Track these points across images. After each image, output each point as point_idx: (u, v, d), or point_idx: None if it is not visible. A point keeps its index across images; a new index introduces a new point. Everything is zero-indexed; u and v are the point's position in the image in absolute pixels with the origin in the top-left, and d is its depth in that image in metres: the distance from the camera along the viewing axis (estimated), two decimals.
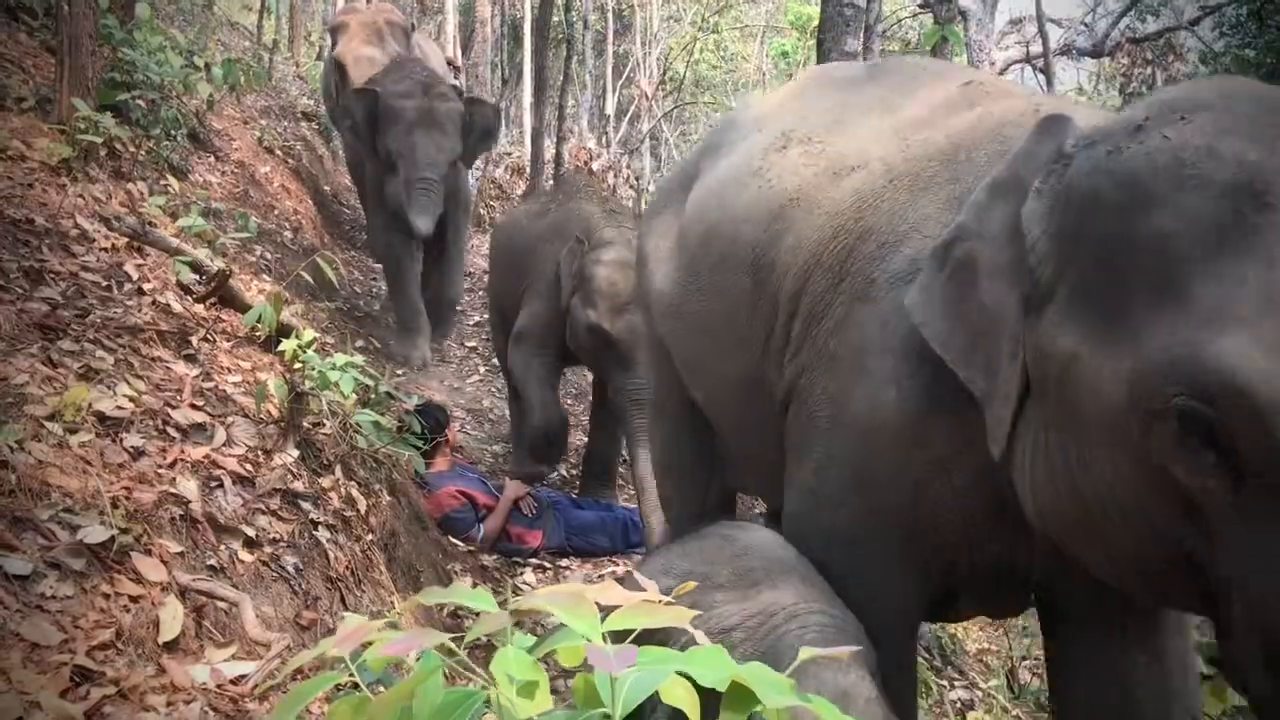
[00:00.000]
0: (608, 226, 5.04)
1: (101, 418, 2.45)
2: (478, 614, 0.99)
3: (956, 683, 3.95)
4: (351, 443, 3.27)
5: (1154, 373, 1.47)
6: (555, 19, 10.09)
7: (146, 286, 3.25)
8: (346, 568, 2.73)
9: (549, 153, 9.44)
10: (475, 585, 1.18)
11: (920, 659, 3.65)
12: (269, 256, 5.68)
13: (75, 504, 2.10)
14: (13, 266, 2.89)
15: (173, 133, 4.84)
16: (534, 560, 4.75)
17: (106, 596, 1.97)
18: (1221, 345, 1.41)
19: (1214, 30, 10.14)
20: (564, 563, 4.77)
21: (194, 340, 3.10)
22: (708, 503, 3.08)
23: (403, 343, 6.67)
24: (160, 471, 2.40)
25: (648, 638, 0.93)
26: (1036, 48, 8.88)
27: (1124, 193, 1.57)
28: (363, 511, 3.03)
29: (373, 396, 3.50)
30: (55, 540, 1.99)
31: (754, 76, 16.25)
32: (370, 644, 0.97)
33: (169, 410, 2.65)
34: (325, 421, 3.14)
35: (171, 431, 2.59)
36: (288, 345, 2.97)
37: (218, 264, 3.53)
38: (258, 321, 3.23)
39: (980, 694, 3.93)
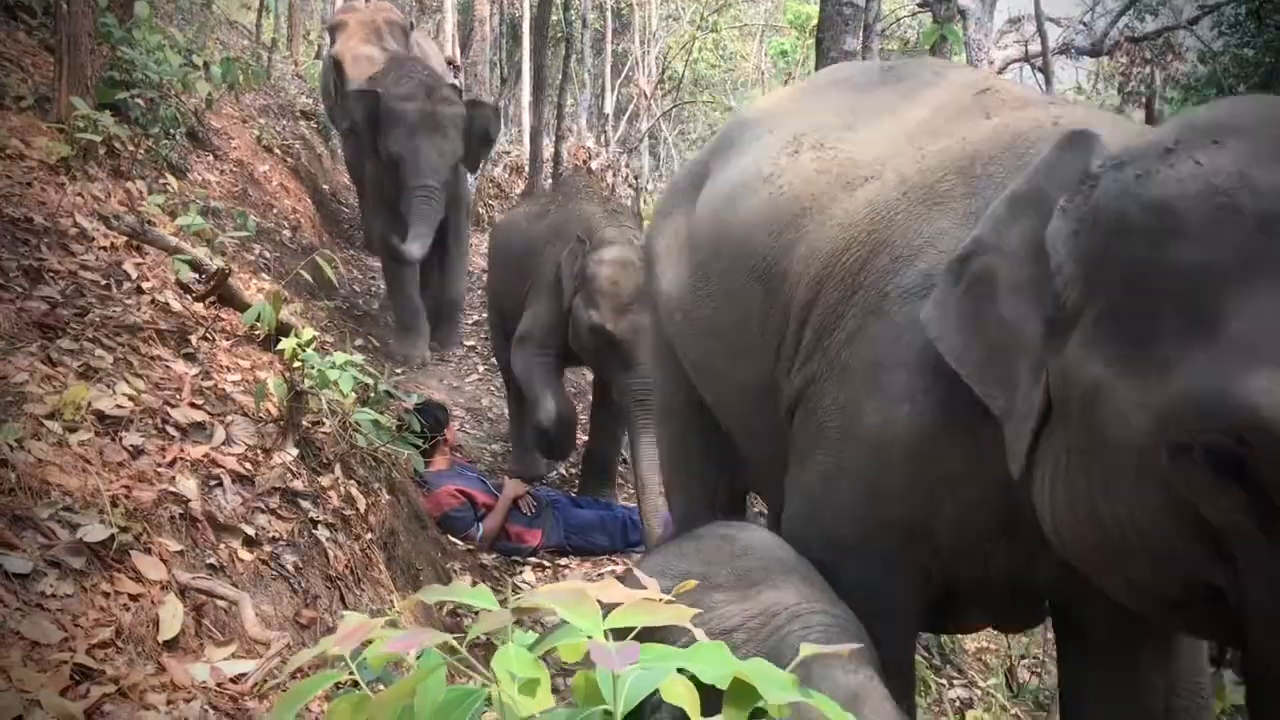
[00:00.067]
0: (609, 226, 5.00)
1: (101, 416, 2.45)
2: (477, 613, 0.99)
3: (955, 681, 3.95)
4: (351, 441, 3.26)
5: (1182, 406, 1.45)
6: (554, 17, 10.08)
7: (145, 285, 3.25)
8: (346, 566, 2.73)
9: (548, 151, 9.44)
10: (475, 584, 1.18)
11: (919, 657, 3.66)
12: (268, 255, 5.68)
13: (75, 503, 2.10)
14: (12, 265, 2.89)
15: (171, 131, 4.84)
16: (533, 559, 4.75)
17: (106, 595, 1.97)
18: (1253, 382, 1.38)
19: (1213, 29, 10.14)
20: (563, 562, 4.77)
21: (193, 339, 3.10)
22: (716, 502, 3.06)
23: (402, 342, 6.66)
24: (160, 470, 2.40)
25: (647, 638, 0.94)
26: (1035, 47, 8.88)
27: (1153, 219, 1.53)
28: (362, 510, 3.03)
29: (372, 395, 3.50)
30: (55, 539, 1.99)
31: (752, 75, 16.26)
32: (370, 642, 0.97)
33: (168, 409, 2.65)
34: (324, 420, 3.14)
35: (171, 430, 2.59)
36: (287, 344, 2.96)
37: (217, 263, 3.53)
38: (257, 320, 3.23)
39: (979, 692, 3.93)
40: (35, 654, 1.76)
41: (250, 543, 2.45)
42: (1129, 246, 1.57)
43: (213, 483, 2.52)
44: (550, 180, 9.02)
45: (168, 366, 2.87)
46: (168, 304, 3.21)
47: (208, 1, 10.27)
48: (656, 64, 14.79)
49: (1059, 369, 1.68)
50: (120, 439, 2.42)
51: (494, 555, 4.66)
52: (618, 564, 4.73)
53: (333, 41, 8.08)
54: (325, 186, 9.36)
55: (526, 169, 9.84)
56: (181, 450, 2.52)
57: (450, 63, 9.76)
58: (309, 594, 2.51)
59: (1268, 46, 8.91)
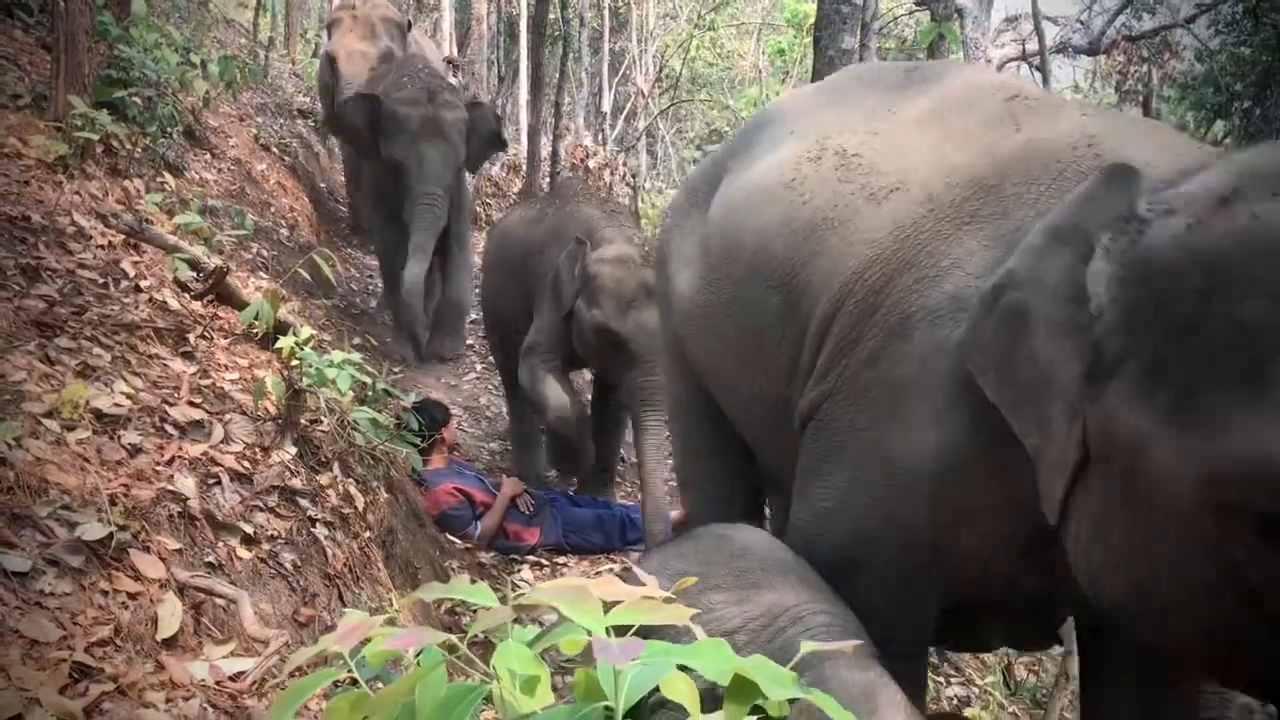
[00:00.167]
0: (608, 226, 4.96)
1: (99, 415, 2.44)
2: (475, 611, 0.99)
3: (953, 679, 3.96)
4: (349, 440, 3.26)
5: (1232, 470, 1.41)
6: (551, 16, 10.08)
7: (143, 284, 3.24)
8: (344, 565, 2.73)
9: (545, 150, 9.44)
10: (473, 582, 1.18)
11: None
12: (265, 254, 5.67)
13: (73, 501, 2.10)
14: (9, 264, 2.88)
15: (169, 130, 4.84)
16: (531, 558, 4.75)
17: (105, 593, 1.97)
18: None
19: (1209, 28, 10.15)
20: (561, 560, 4.78)
21: (191, 337, 3.10)
22: (730, 498, 3.00)
23: (400, 340, 6.66)
24: (158, 469, 2.40)
25: (645, 637, 0.94)
26: (1033, 45, 8.89)
27: (1208, 274, 1.48)
28: (360, 509, 3.03)
29: (370, 394, 3.50)
30: (54, 537, 1.99)
31: (750, 74, 16.24)
32: (369, 640, 0.97)
33: (166, 407, 2.65)
34: (323, 419, 3.14)
35: (169, 429, 2.59)
36: (285, 342, 2.96)
37: (214, 261, 3.52)
38: (255, 319, 3.23)
39: (977, 690, 3.94)
40: (34, 652, 1.76)
41: (249, 541, 2.45)
42: (1179, 299, 1.51)
43: (211, 481, 2.52)
44: (548, 179, 9.02)
45: (166, 365, 2.87)
46: (165, 302, 3.21)
47: (204, 0, 10.26)
48: (654, 62, 14.79)
49: (1098, 418, 1.63)
50: (118, 437, 2.42)
51: (492, 554, 4.66)
52: (616, 563, 4.73)
53: (329, 39, 8.08)
54: (323, 185, 9.36)
55: (524, 168, 9.83)
56: (180, 449, 2.52)
57: (450, 62, 9.75)
58: (307, 592, 2.51)
59: (1264, 45, 8.91)
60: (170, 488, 2.34)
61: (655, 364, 4.37)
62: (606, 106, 13.40)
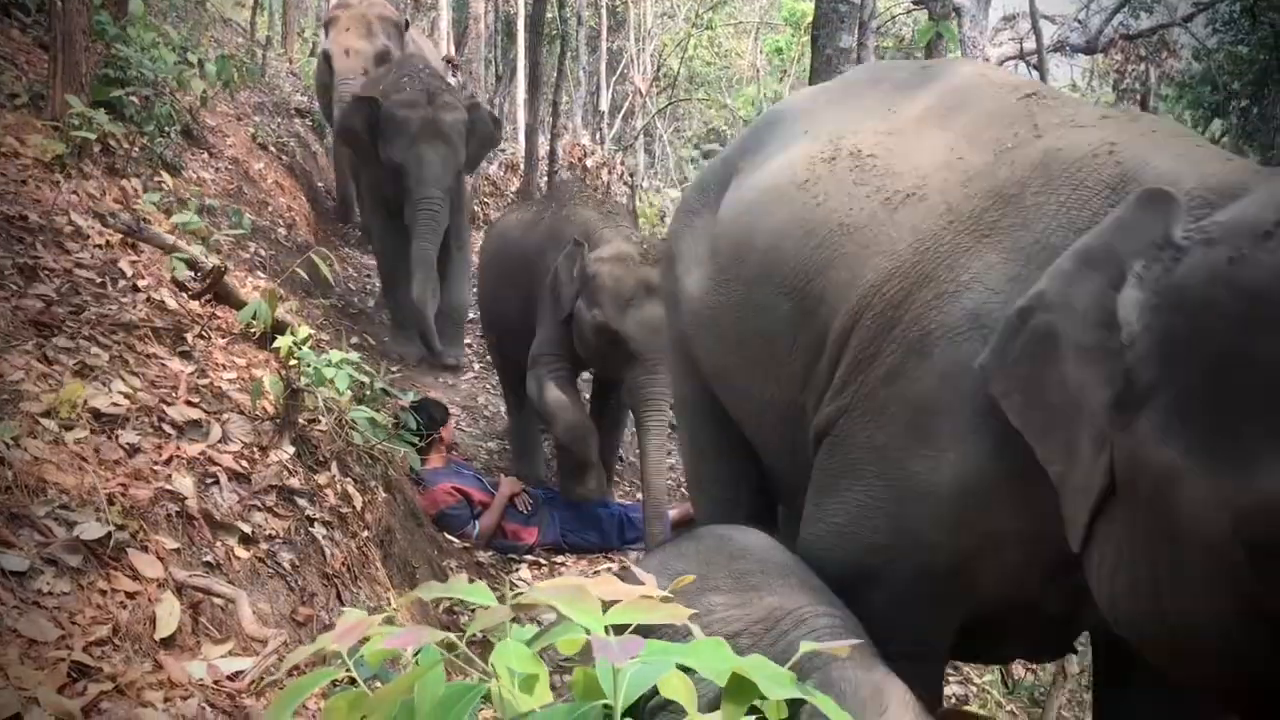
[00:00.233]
0: (605, 227, 4.91)
1: (97, 414, 2.44)
2: (473, 610, 0.99)
3: (951, 678, 3.96)
4: (347, 439, 3.26)
5: (1265, 507, 1.39)
6: (549, 15, 10.08)
7: (141, 283, 3.24)
8: (342, 564, 2.73)
9: (543, 149, 9.44)
10: (472, 581, 1.18)
11: None
12: (263, 253, 5.67)
13: (71, 501, 2.10)
14: (7, 263, 2.88)
15: (166, 129, 4.83)
16: (529, 557, 4.76)
17: (103, 593, 1.97)
18: None
19: (1207, 26, 10.15)
20: (559, 559, 4.78)
21: (189, 337, 3.10)
22: (738, 500, 2.94)
23: (398, 340, 6.66)
24: (156, 468, 2.40)
25: (645, 636, 0.94)
26: (1030, 44, 8.90)
27: (1247, 309, 1.45)
28: (358, 508, 3.03)
29: (368, 393, 3.50)
30: (52, 537, 1.99)
31: (748, 73, 16.24)
32: (367, 639, 0.97)
33: (164, 407, 2.65)
34: (321, 418, 3.14)
35: (167, 428, 2.59)
36: (283, 342, 2.96)
37: (212, 260, 3.52)
38: (253, 318, 3.23)
39: (974, 689, 3.94)
40: (32, 652, 1.76)
41: (247, 540, 2.45)
42: (1216, 333, 1.49)
43: (209, 480, 2.52)
44: (546, 178, 9.02)
45: (164, 364, 2.87)
46: (163, 302, 3.21)
47: None
48: (651, 61, 14.79)
49: (1127, 448, 1.61)
50: (116, 437, 2.42)
51: (490, 553, 4.66)
52: (614, 562, 4.74)
53: (327, 37, 8.07)
54: (320, 184, 9.35)
55: (522, 167, 9.83)
56: (178, 448, 2.52)
57: (449, 61, 9.75)
58: (306, 592, 2.51)
59: (1262, 43, 8.92)
60: (168, 487, 2.34)
61: (656, 362, 4.35)
62: (604, 105, 13.40)
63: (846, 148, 2.40)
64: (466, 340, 7.31)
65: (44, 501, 2.06)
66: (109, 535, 2.05)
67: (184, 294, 3.39)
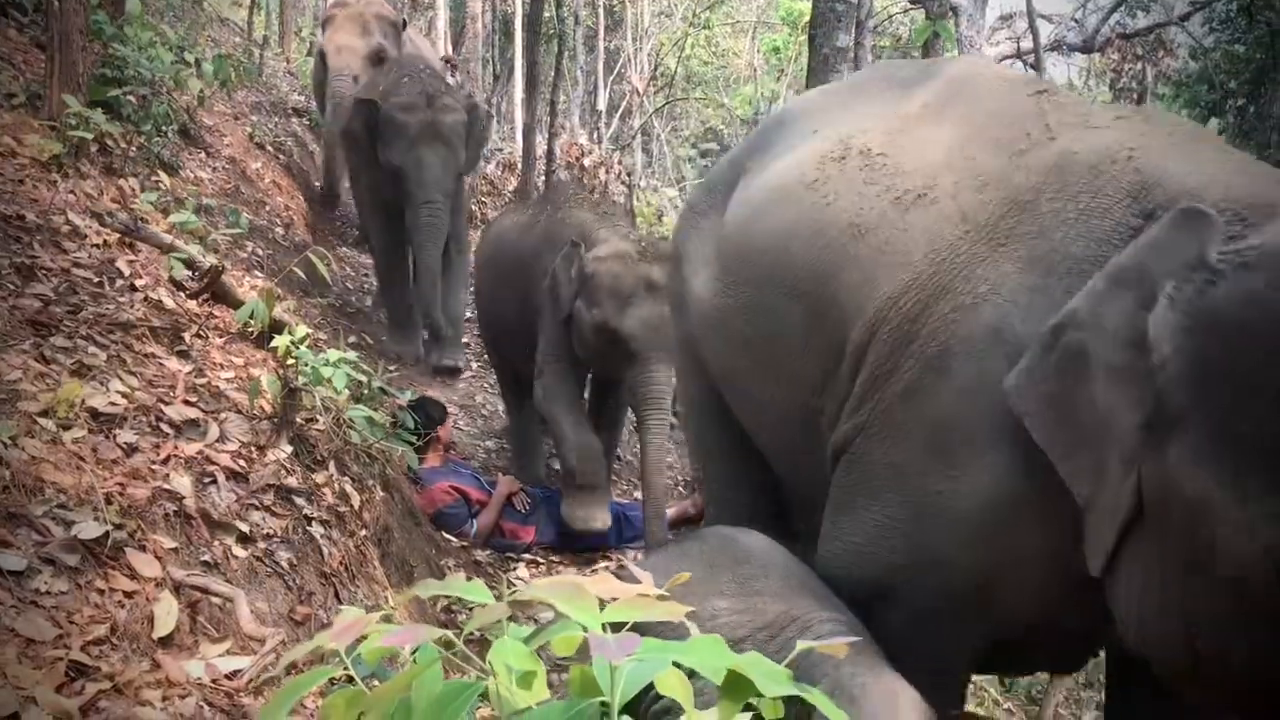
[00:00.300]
0: (602, 227, 4.85)
1: (95, 414, 2.45)
2: (471, 609, 0.99)
3: None
4: (345, 438, 3.26)
5: None
6: (546, 14, 10.07)
7: (139, 283, 3.24)
8: (340, 563, 2.73)
9: (540, 149, 9.43)
10: (469, 579, 1.18)
11: None
12: (260, 253, 5.67)
13: (69, 500, 2.10)
14: (4, 263, 2.88)
15: (164, 129, 4.83)
16: (527, 555, 4.76)
17: (101, 592, 1.98)
18: None
19: (1204, 26, 10.17)
20: (557, 558, 4.78)
21: (187, 336, 3.10)
22: (746, 502, 2.90)
23: (396, 339, 6.66)
24: (154, 467, 2.40)
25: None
26: (1027, 43, 8.90)
27: None
28: (356, 507, 3.03)
29: (366, 392, 3.50)
30: (49, 536, 1.99)
31: (745, 72, 16.24)
32: (365, 637, 0.97)
33: (162, 406, 2.65)
34: (318, 417, 3.14)
35: (165, 427, 2.59)
36: (280, 341, 2.96)
37: (209, 260, 3.52)
38: (250, 317, 3.23)
39: (972, 687, 3.94)
40: (30, 651, 1.77)
41: (245, 540, 2.45)
42: (1252, 360, 1.47)
43: (207, 480, 2.52)
44: (543, 177, 9.01)
45: (161, 364, 2.87)
46: (161, 301, 3.21)
47: None
48: (649, 61, 14.77)
49: (1157, 472, 1.59)
50: (114, 436, 2.42)
51: (488, 552, 4.66)
52: (612, 561, 4.74)
53: (324, 36, 8.07)
54: (317, 184, 9.34)
55: (519, 166, 9.82)
56: (175, 447, 2.52)
57: (447, 61, 9.74)
58: (304, 591, 2.51)
59: (1258, 43, 8.93)
60: (166, 486, 2.35)
61: (657, 361, 4.34)
62: (602, 105, 13.39)
63: (856, 147, 2.36)
64: (464, 340, 7.31)
65: (42, 501, 2.06)
66: (107, 534, 2.05)
67: (181, 293, 3.39)
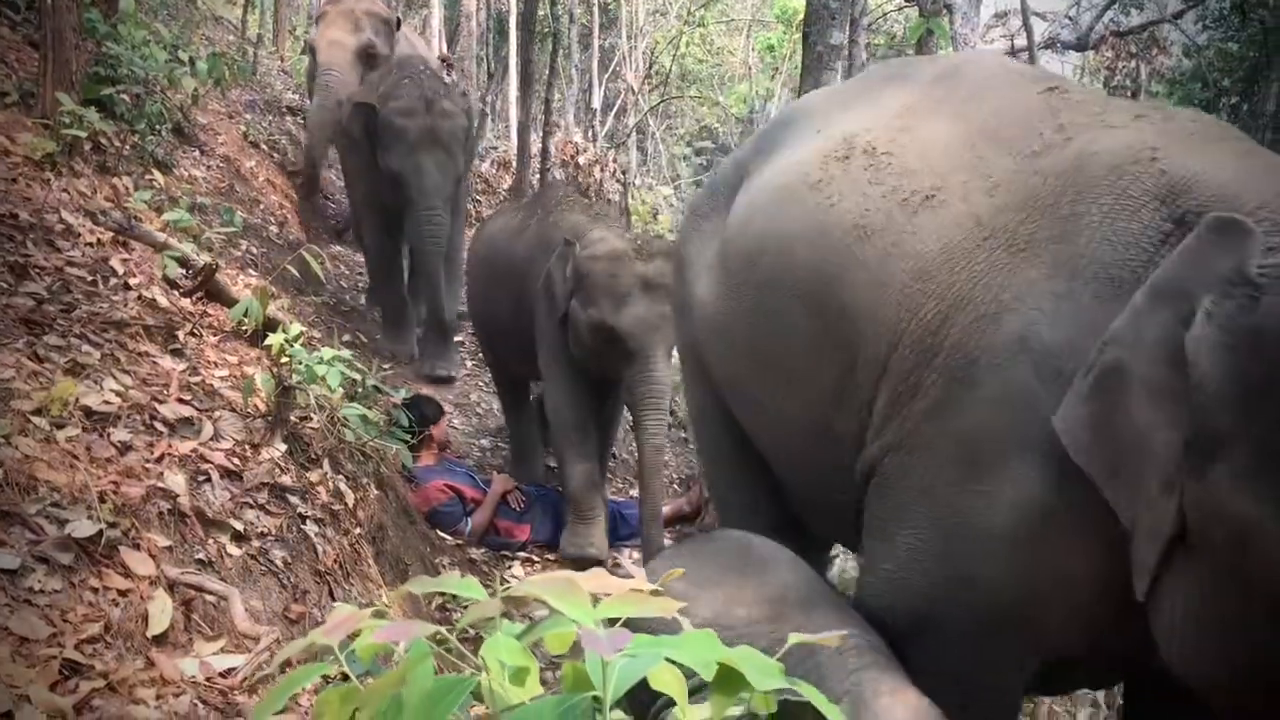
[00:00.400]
0: (595, 227, 4.81)
1: (88, 412, 2.45)
2: (465, 606, 0.99)
3: None
4: (339, 437, 3.27)
5: None
6: (541, 13, 10.07)
7: (132, 281, 3.24)
8: (335, 561, 2.73)
9: (535, 147, 9.42)
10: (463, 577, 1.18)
11: None
12: (255, 251, 5.66)
13: (63, 498, 2.10)
14: None
15: (157, 127, 4.82)
16: (522, 554, 4.76)
17: (95, 590, 1.98)
18: None
19: (1197, 23, 10.19)
20: (552, 556, 4.78)
21: (181, 335, 3.10)
22: (756, 507, 2.81)
23: (390, 337, 6.65)
24: (148, 466, 2.40)
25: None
26: (1021, 41, 8.90)
27: None
28: (350, 505, 3.03)
29: (360, 390, 3.50)
30: (43, 535, 1.99)
31: (740, 70, 16.24)
32: (359, 634, 0.97)
33: (156, 405, 2.65)
34: (313, 415, 3.14)
35: (159, 426, 2.59)
36: (274, 339, 2.96)
37: (204, 258, 3.52)
38: (244, 316, 3.23)
39: None
40: (24, 649, 1.77)
41: (239, 538, 2.45)
42: None
43: (201, 478, 2.52)
44: (538, 175, 9.00)
45: (155, 362, 2.87)
46: (155, 300, 3.21)
47: None
48: (644, 59, 14.77)
49: (1199, 495, 1.54)
50: (108, 435, 2.42)
51: (483, 550, 4.66)
52: (607, 558, 4.74)
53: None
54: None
55: (514, 164, 9.81)
56: (169, 446, 2.52)
57: (443, 59, 9.72)
58: (298, 589, 2.51)
59: (1251, 41, 8.95)
60: (160, 485, 2.35)
61: (655, 360, 4.32)
62: (596, 103, 13.38)
63: (860, 145, 2.30)
64: (458, 338, 7.31)
65: (35, 499, 2.06)
66: (100, 533, 2.05)
67: (175, 292, 3.39)
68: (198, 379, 2.91)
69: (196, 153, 6.27)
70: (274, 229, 6.68)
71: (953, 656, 1.98)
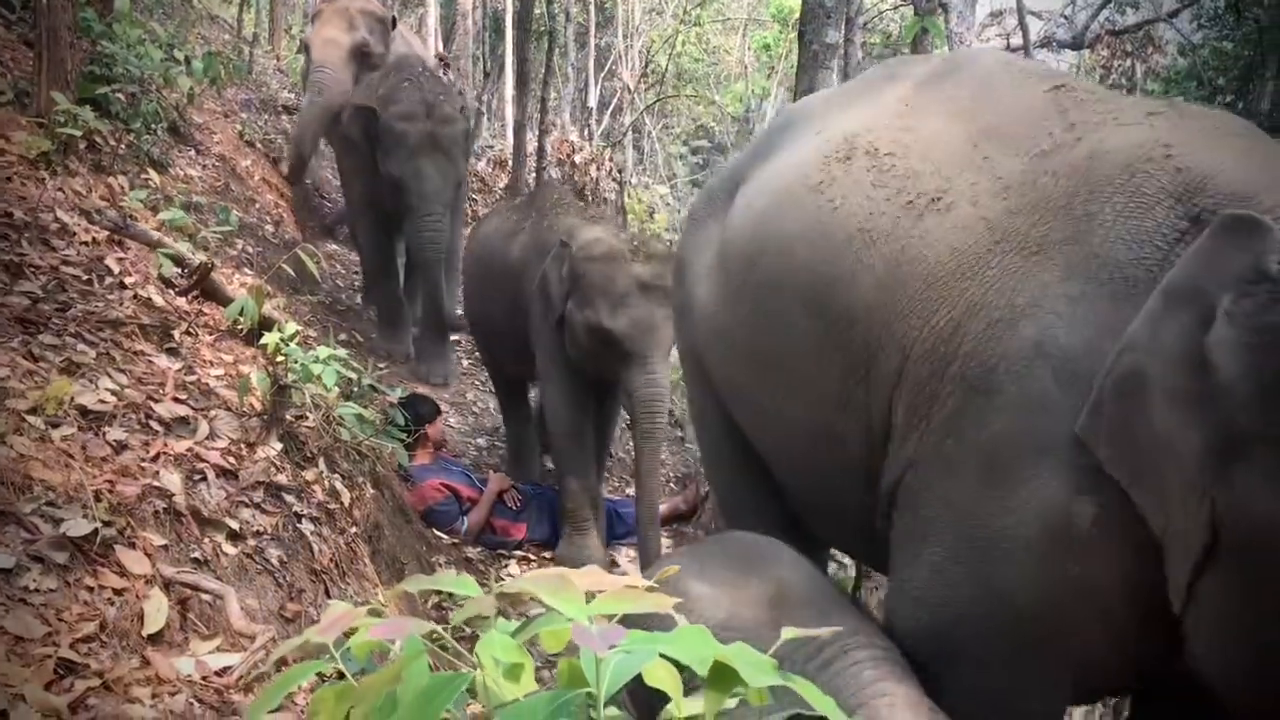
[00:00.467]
0: (591, 227, 4.77)
1: (84, 411, 2.44)
2: (462, 605, 0.99)
3: None
4: (335, 435, 3.27)
5: None
6: (537, 11, 10.06)
7: (128, 280, 3.23)
8: (330, 560, 2.73)
9: (531, 145, 9.42)
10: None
11: None
12: (250, 250, 5.66)
13: (58, 497, 2.10)
14: None
15: (153, 126, 4.81)
16: (518, 552, 4.76)
17: (90, 589, 1.97)
18: None
19: (1192, 22, 10.19)
20: (548, 555, 4.78)
21: (176, 334, 3.09)
22: (760, 510, 2.77)
23: (386, 336, 6.65)
24: (143, 465, 2.40)
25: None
26: (1017, 40, 8.91)
27: None
28: (346, 504, 3.03)
29: (356, 389, 3.50)
30: (38, 534, 1.99)
31: (736, 69, 16.24)
32: (354, 631, 0.97)
33: (151, 404, 2.65)
34: (308, 414, 3.14)
35: (154, 425, 2.59)
36: (270, 338, 2.96)
37: (199, 258, 3.52)
38: (240, 315, 3.23)
39: None
40: (19, 649, 1.77)
41: (234, 537, 2.45)
42: None
43: (197, 477, 2.52)
44: (534, 174, 9.00)
45: (150, 361, 2.87)
46: (150, 299, 3.20)
47: None
48: (640, 58, 14.76)
49: (1230, 500, 1.52)
50: (103, 434, 2.42)
51: (479, 549, 4.66)
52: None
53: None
54: (308, 181, 9.32)
55: (510, 163, 9.81)
56: (165, 445, 2.52)
57: (440, 59, 9.72)
58: (294, 588, 2.51)
59: (1246, 40, 8.96)
60: (156, 484, 2.34)
61: (653, 362, 4.28)
62: (593, 102, 13.38)
63: (862, 146, 2.26)
64: (454, 337, 7.31)
65: (30, 499, 2.05)
66: (96, 532, 2.05)
67: (171, 291, 3.39)
68: (193, 378, 2.90)
69: (192, 152, 6.26)
70: (269, 228, 6.68)
71: (987, 681, 1.92)
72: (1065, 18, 11.34)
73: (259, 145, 8.18)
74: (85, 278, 3.10)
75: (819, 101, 2.79)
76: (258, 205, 6.88)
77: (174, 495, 2.35)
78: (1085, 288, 1.77)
